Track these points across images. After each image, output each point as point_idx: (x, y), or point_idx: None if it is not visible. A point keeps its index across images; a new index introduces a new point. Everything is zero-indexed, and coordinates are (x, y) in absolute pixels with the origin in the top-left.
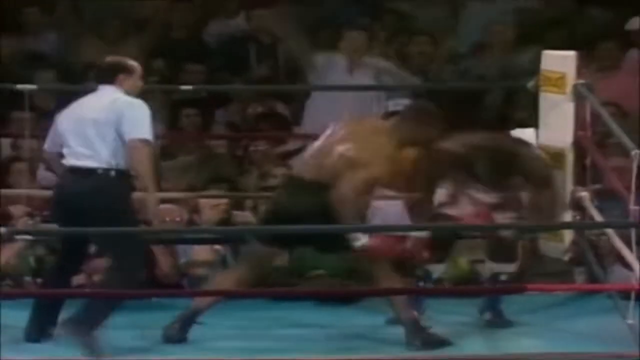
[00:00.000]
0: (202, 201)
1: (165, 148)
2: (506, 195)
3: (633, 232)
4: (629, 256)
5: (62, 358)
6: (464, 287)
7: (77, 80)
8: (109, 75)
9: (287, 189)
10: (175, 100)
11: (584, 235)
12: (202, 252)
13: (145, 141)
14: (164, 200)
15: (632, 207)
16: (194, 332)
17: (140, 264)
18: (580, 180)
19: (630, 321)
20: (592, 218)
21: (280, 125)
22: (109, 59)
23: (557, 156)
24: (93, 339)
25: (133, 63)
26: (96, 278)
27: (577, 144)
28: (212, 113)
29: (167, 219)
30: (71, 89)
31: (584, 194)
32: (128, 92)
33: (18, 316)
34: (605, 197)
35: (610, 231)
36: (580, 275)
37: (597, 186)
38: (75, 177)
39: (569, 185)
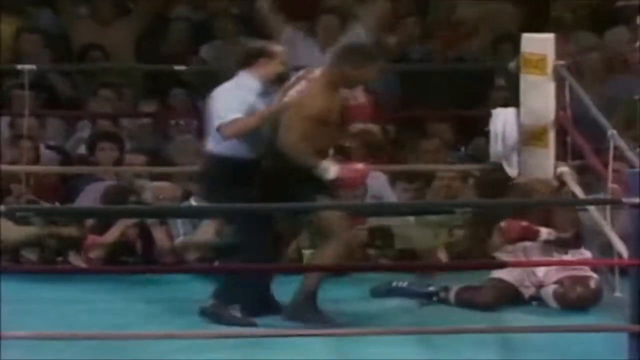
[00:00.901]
0: None
1: (157, 126)
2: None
3: (608, 209)
4: (609, 232)
5: (60, 333)
6: (440, 262)
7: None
8: (248, 60)
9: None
10: (164, 80)
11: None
12: (206, 231)
13: (230, 122)
14: (161, 178)
15: (610, 184)
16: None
17: (259, 241)
18: (562, 156)
19: (618, 294)
20: (573, 193)
21: None
22: (253, 43)
23: (538, 134)
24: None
25: (275, 48)
26: (92, 255)
27: (558, 123)
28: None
29: (161, 196)
30: (71, 69)
31: (565, 169)
32: (265, 77)
33: (19, 289)
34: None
35: (592, 208)
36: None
37: (577, 162)
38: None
39: (551, 161)
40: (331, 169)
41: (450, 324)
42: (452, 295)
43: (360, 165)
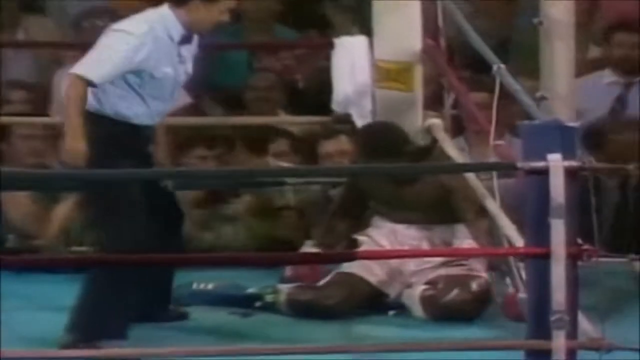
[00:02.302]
0: None
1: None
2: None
3: (495, 178)
4: (494, 208)
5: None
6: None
7: None
8: None
9: None
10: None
11: None
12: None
13: (81, 78)
14: None
15: (495, 141)
16: None
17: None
18: (434, 103)
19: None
20: (443, 153)
21: None
22: None
23: (399, 72)
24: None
25: None
26: None
27: (428, 57)
28: None
29: None
30: None
31: (436, 122)
32: (196, 25)
33: None
34: None
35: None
36: None
37: (453, 112)
38: None
39: (417, 109)
40: None
41: (277, 340)
42: (282, 299)
43: None
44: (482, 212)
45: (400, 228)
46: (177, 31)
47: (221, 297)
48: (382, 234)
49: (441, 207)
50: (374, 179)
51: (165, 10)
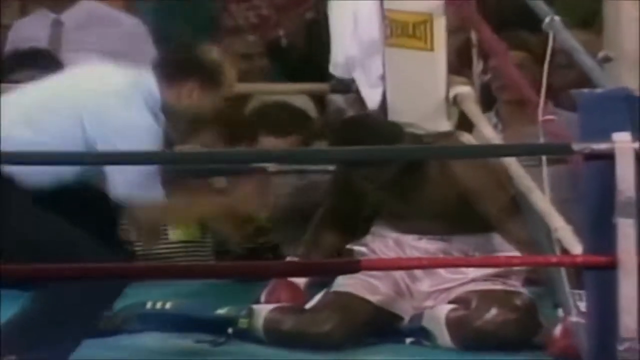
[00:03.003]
0: None
1: None
2: None
3: (544, 164)
4: (543, 204)
5: None
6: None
7: None
8: (178, 71)
9: None
10: None
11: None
12: None
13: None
14: None
15: (543, 116)
16: None
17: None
18: (462, 66)
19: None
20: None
21: None
22: (198, 50)
23: (416, 26)
24: None
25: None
26: None
27: (453, 6)
28: None
29: None
30: None
31: (465, 90)
32: (191, 107)
33: None
34: None
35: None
36: None
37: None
38: None
39: (440, 73)
40: None
41: None
42: (259, 323)
43: None
44: (517, 215)
45: (409, 239)
46: (156, 110)
47: (183, 320)
48: (386, 245)
49: (461, 213)
50: (371, 179)
51: (151, 84)
